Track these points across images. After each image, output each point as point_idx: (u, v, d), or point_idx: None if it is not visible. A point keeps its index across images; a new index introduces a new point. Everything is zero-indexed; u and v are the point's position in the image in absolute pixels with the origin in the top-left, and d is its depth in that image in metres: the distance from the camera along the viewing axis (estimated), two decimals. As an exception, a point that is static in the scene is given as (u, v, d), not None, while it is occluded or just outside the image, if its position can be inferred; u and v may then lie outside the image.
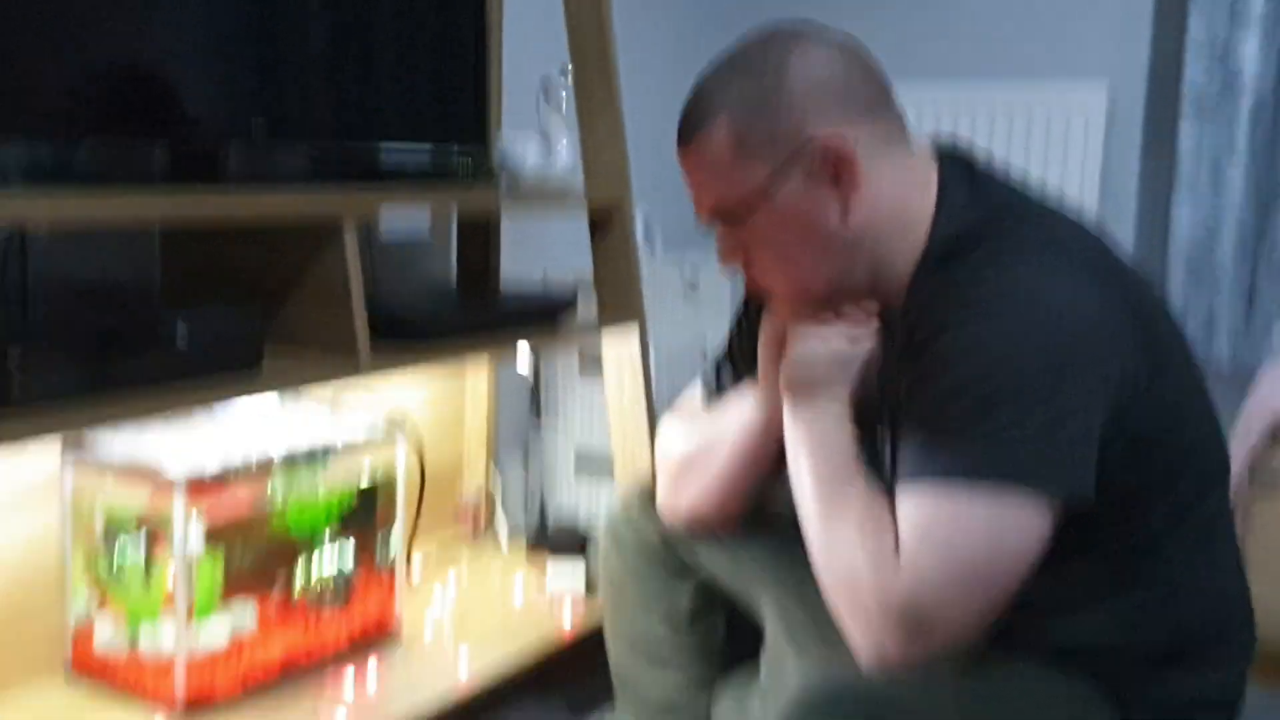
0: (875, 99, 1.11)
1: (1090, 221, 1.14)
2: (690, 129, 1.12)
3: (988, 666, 1.07)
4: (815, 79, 1.08)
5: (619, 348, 1.96)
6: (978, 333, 1.01)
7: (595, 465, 2.29)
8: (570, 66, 1.87)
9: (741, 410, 1.27)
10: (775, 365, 1.20)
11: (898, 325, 1.11)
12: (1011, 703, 1.06)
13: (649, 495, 1.43)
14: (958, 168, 1.14)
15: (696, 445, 1.31)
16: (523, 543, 2.07)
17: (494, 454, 2.19)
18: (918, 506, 1.00)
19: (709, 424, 1.32)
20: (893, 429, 1.11)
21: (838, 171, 1.08)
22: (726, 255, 1.15)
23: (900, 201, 1.10)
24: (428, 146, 1.79)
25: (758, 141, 1.08)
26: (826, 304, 1.15)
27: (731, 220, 1.12)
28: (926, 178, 1.12)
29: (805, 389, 1.16)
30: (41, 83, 1.29)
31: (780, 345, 1.20)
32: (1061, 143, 2.56)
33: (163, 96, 1.41)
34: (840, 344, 1.15)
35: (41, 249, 1.47)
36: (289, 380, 1.38)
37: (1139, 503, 1.07)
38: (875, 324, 1.15)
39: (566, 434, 2.33)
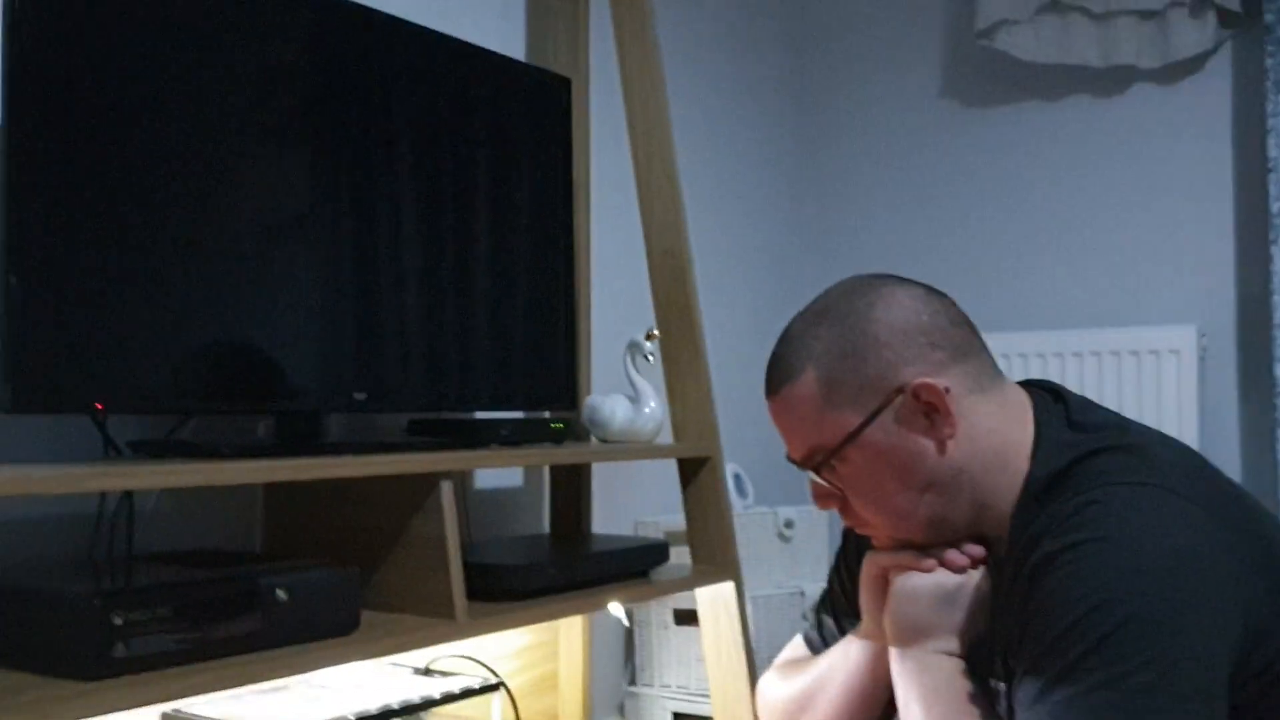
0: (963, 341, 1.12)
1: (1192, 452, 1.12)
2: (777, 381, 1.13)
3: None
4: (902, 325, 1.09)
5: (714, 601, 1.95)
6: (1088, 570, 0.97)
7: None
8: (656, 330, 1.95)
9: (847, 653, 1.24)
10: (879, 603, 1.18)
11: (1004, 565, 1.09)
12: None
13: None
14: (1050, 401, 1.14)
15: (802, 690, 1.28)
16: (621, 807, 2.01)
17: (589, 710, 2.15)
18: None
19: (814, 669, 1.29)
20: (1006, 674, 1.08)
21: (930, 413, 1.08)
22: (821, 499, 1.15)
23: (999, 437, 1.10)
24: (520, 414, 1.87)
25: (847, 392, 1.09)
26: (927, 544, 1.14)
27: (824, 467, 1.12)
28: (1022, 414, 1.12)
29: (910, 633, 1.13)
30: (152, 363, 1.38)
31: (883, 583, 1.18)
32: (1155, 391, 2.54)
33: (266, 373, 1.50)
34: (944, 579, 1.13)
35: (147, 513, 1.54)
36: (386, 646, 1.40)
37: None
38: (980, 561, 1.13)
39: (662, 687, 2.28)
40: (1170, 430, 2.42)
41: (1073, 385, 2.67)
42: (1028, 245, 2.80)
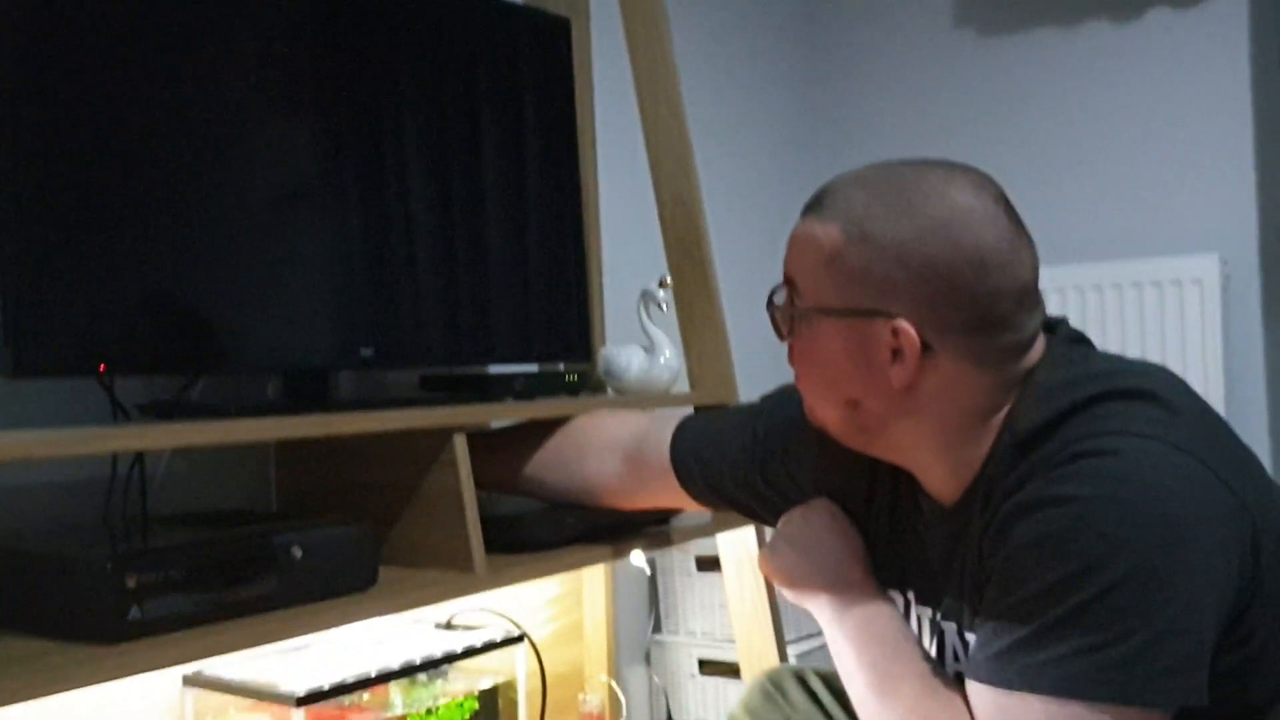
0: (999, 317, 1.03)
1: (1205, 402, 1.07)
2: (810, 206, 1.10)
3: None
4: (944, 265, 1.01)
5: (736, 547, 1.93)
6: (1074, 528, 0.93)
7: (719, 666, 2.23)
8: (669, 278, 1.92)
9: None
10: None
11: (970, 506, 1.07)
12: None
13: (771, 687, 1.41)
14: (1063, 351, 1.08)
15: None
16: (648, 753, 2.01)
17: (614, 658, 2.15)
18: (1002, 707, 0.95)
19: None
20: (956, 614, 1.08)
21: (896, 355, 1.04)
22: (780, 328, 1.14)
23: (978, 404, 1.05)
24: (534, 367, 1.85)
25: (845, 272, 1.05)
26: (835, 438, 1.15)
27: (787, 309, 1.12)
28: (1017, 386, 1.06)
29: (807, 591, 1.17)
30: (157, 323, 1.37)
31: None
32: (1178, 318, 2.50)
33: (273, 332, 1.48)
34: (793, 527, 1.20)
35: (159, 475, 1.53)
36: (405, 601, 1.39)
37: (1259, 698, 0.99)
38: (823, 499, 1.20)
39: (687, 635, 2.28)
40: (1194, 362, 2.44)
41: (1093, 320, 2.65)
42: (1044, 176, 2.75)
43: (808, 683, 1.42)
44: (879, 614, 1.13)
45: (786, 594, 1.22)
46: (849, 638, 1.12)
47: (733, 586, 1.95)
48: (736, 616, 1.95)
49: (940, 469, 1.10)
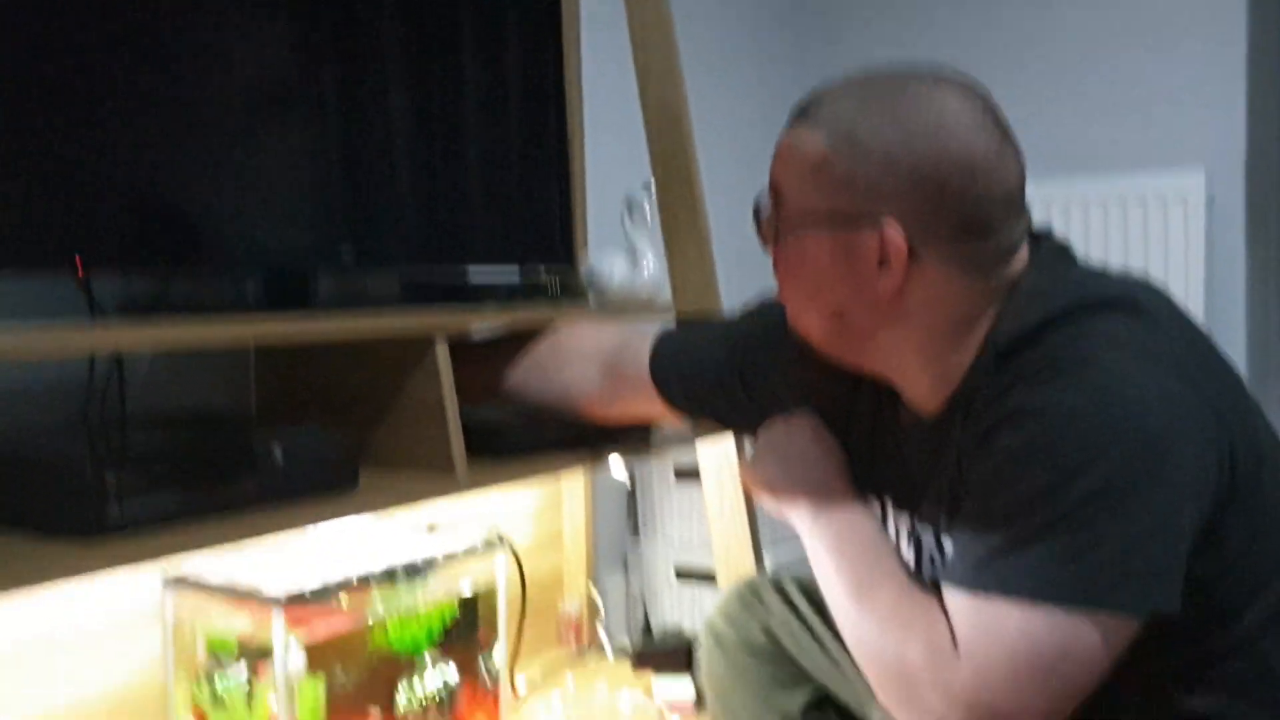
0: (986, 220, 1.03)
1: (1187, 314, 1.08)
2: (797, 114, 1.09)
3: None
4: (930, 169, 1.01)
5: (715, 457, 1.94)
6: (1054, 437, 0.94)
7: (696, 574, 2.26)
8: (653, 183, 1.90)
9: None
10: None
11: (950, 416, 1.07)
12: None
13: (749, 594, 1.42)
14: (1048, 259, 1.08)
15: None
16: (627, 656, 2.03)
17: (593, 566, 2.17)
18: (978, 611, 0.96)
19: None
20: (933, 520, 1.09)
21: (883, 263, 1.03)
22: (764, 237, 1.14)
23: (963, 313, 1.06)
24: (514, 268, 1.83)
25: (831, 178, 1.04)
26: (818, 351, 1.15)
27: (772, 218, 1.11)
28: (1000, 296, 1.06)
29: (787, 498, 1.18)
30: (135, 217, 1.34)
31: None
32: (1162, 234, 2.50)
33: (252, 231, 1.45)
34: (776, 436, 1.20)
35: (138, 377, 1.52)
36: (386, 500, 1.39)
37: (1232, 604, 1.01)
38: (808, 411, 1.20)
39: (665, 543, 2.30)
40: (1176, 281, 2.45)
41: (1076, 236, 2.65)
42: (1028, 88, 2.72)
43: (786, 591, 1.44)
44: (858, 523, 1.14)
45: (768, 505, 1.23)
46: (829, 547, 1.13)
47: (711, 496, 1.96)
48: (715, 525, 1.97)
49: (923, 379, 1.10)
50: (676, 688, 1.84)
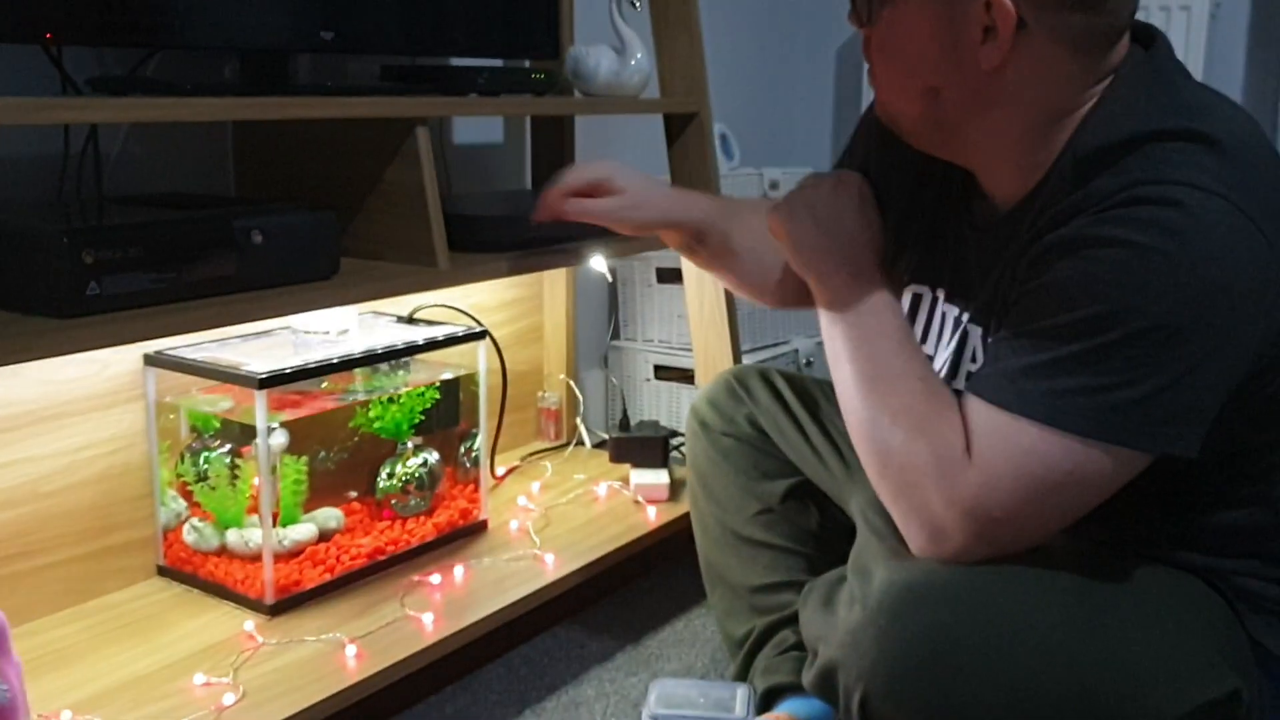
0: None
1: (1275, 148, 1.01)
2: None
3: (1083, 559, 1.02)
4: None
5: (696, 257, 1.94)
6: (1110, 274, 0.92)
7: (673, 373, 2.29)
8: (643, -31, 1.83)
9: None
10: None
11: (1019, 219, 1.04)
12: (1118, 593, 0.99)
13: (735, 384, 1.44)
14: (1145, 61, 1.02)
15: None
16: (604, 449, 2.08)
17: (573, 361, 2.19)
18: (997, 424, 0.96)
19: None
20: (984, 320, 1.08)
21: (989, 31, 0.98)
22: (859, 14, 1.08)
23: (1062, 96, 1.01)
24: (499, 61, 1.78)
25: None
26: (909, 140, 1.10)
27: (868, 6, 1.05)
28: (1097, 85, 1.01)
29: (812, 258, 1.13)
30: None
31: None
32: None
33: (231, 7, 1.40)
34: (811, 194, 1.14)
35: (114, 160, 1.49)
36: (368, 291, 1.39)
37: (1259, 447, 1.02)
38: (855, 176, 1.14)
39: (644, 341, 2.32)
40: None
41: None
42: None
43: (772, 382, 1.45)
44: (885, 308, 1.10)
45: (791, 258, 1.17)
46: (848, 324, 1.09)
47: (693, 296, 1.97)
48: (695, 325, 1.99)
49: (1007, 169, 1.06)
50: (652, 479, 1.88)
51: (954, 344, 1.13)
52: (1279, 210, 0.94)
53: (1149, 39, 1.05)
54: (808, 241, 1.14)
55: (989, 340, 1.06)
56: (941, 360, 1.15)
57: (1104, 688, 0.94)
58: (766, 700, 1.34)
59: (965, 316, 1.12)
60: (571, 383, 2.17)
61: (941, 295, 1.17)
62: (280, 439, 1.50)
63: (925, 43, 1.02)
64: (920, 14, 1.01)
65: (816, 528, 1.40)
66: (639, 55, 1.81)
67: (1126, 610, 0.98)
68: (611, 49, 1.80)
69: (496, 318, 2.01)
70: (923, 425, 1.00)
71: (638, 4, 1.81)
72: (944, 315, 1.16)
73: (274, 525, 1.50)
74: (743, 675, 1.40)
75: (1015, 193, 1.06)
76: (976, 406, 0.99)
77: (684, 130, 1.91)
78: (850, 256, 1.11)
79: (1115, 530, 1.05)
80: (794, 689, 1.31)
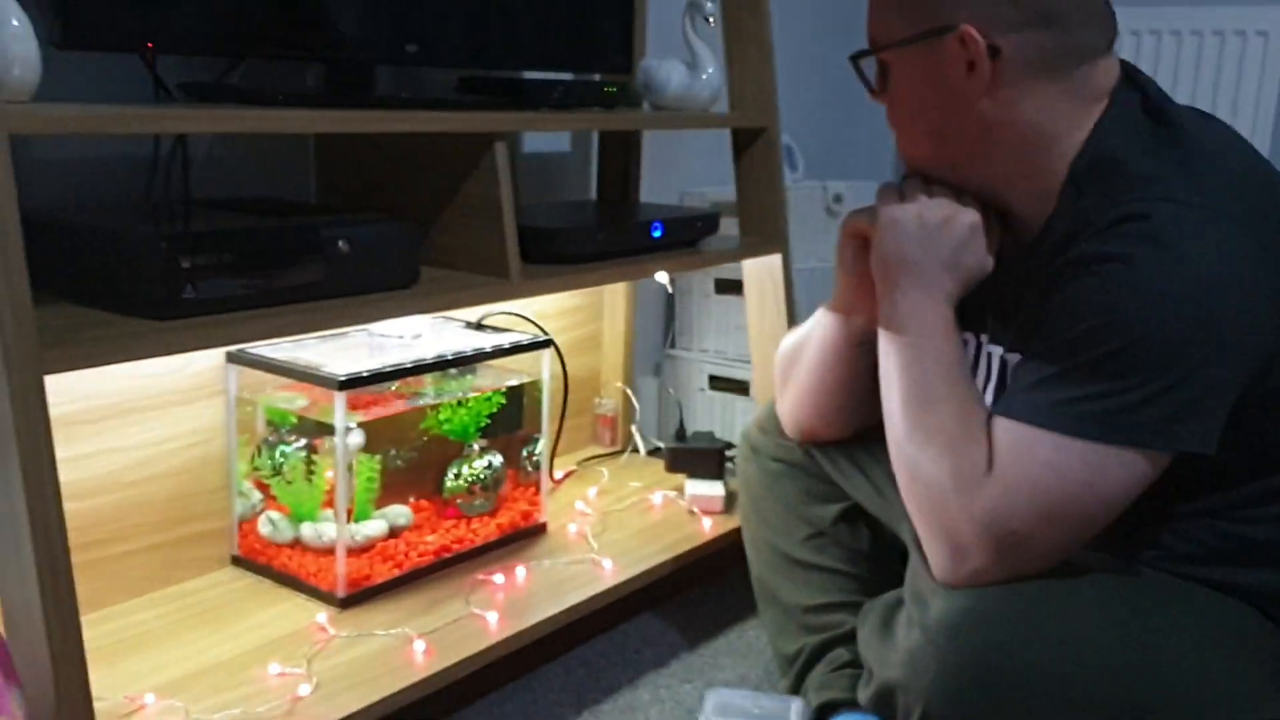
0: (1062, 11, 1.06)
1: (1259, 156, 1.09)
2: None
3: (1135, 580, 1.06)
4: None
5: (761, 272, 1.97)
6: (1108, 285, 0.98)
7: (727, 384, 2.31)
8: (719, -9, 1.86)
9: (820, 318, 1.32)
10: (851, 264, 1.23)
11: (1036, 245, 1.10)
12: (1171, 615, 1.02)
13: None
14: (1130, 88, 1.10)
15: (793, 344, 1.39)
16: (660, 458, 2.11)
17: (630, 368, 2.22)
18: (1014, 438, 1.01)
19: (804, 327, 1.38)
20: (1015, 347, 1.12)
21: (971, 66, 1.07)
22: (874, 90, 1.18)
23: (1046, 118, 1.08)
24: (570, 76, 1.82)
25: (911, 2, 1.11)
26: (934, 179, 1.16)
27: (872, 62, 1.17)
28: (1093, 104, 1.08)
29: (897, 264, 1.13)
30: (204, 3, 1.34)
31: (856, 243, 1.22)
32: (1234, 76, 2.41)
33: (317, 19, 1.45)
34: (927, 211, 1.13)
35: (200, 162, 1.54)
36: (445, 301, 1.43)
37: (1273, 449, 1.05)
38: (973, 204, 1.13)
39: (699, 351, 2.35)
40: (1245, 121, 2.38)
41: (1146, 69, 2.56)
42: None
43: None
44: (944, 336, 1.11)
45: (873, 260, 1.16)
46: (905, 344, 1.11)
47: (753, 309, 2.00)
48: (755, 338, 2.01)
49: (1020, 200, 1.12)
50: (707, 490, 1.91)
51: (996, 379, 1.18)
52: (1266, 215, 1.01)
53: (1132, 72, 1.13)
54: (898, 250, 1.14)
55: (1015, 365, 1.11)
56: (989, 400, 1.18)
57: (1157, 708, 0.97)
58: (820, 715, 1.37)
59: (1004, 351, 1.17)
60: (628, 390, 2.20)
61: (985, 339, 1.21)
62: (357, 438, 1.55)
63: (922, 91, 1.12)
64: (913, 66, 1.12)
65: (868, 549, 1.42)
66: (710, 69, 1.84)
67: (1180, 632, 1.01)
68: (683, 63, 1.83)
69: (558, 324, 2.05)
70: (952, 444, 1.05)
71: (711, 20, 1.84)
72: (989, 356, 1.20)
73: (347, 521, 1.55)
74: (794, 691, 1.42)
75: (1033, 222, 1.12)
76: (997, 424, 1.04)
77: (752, 144, 1.94)
78: (933, 280, 1.13)
79: (1164, 550, 1.09)
80: (848, 705, 1.34)
